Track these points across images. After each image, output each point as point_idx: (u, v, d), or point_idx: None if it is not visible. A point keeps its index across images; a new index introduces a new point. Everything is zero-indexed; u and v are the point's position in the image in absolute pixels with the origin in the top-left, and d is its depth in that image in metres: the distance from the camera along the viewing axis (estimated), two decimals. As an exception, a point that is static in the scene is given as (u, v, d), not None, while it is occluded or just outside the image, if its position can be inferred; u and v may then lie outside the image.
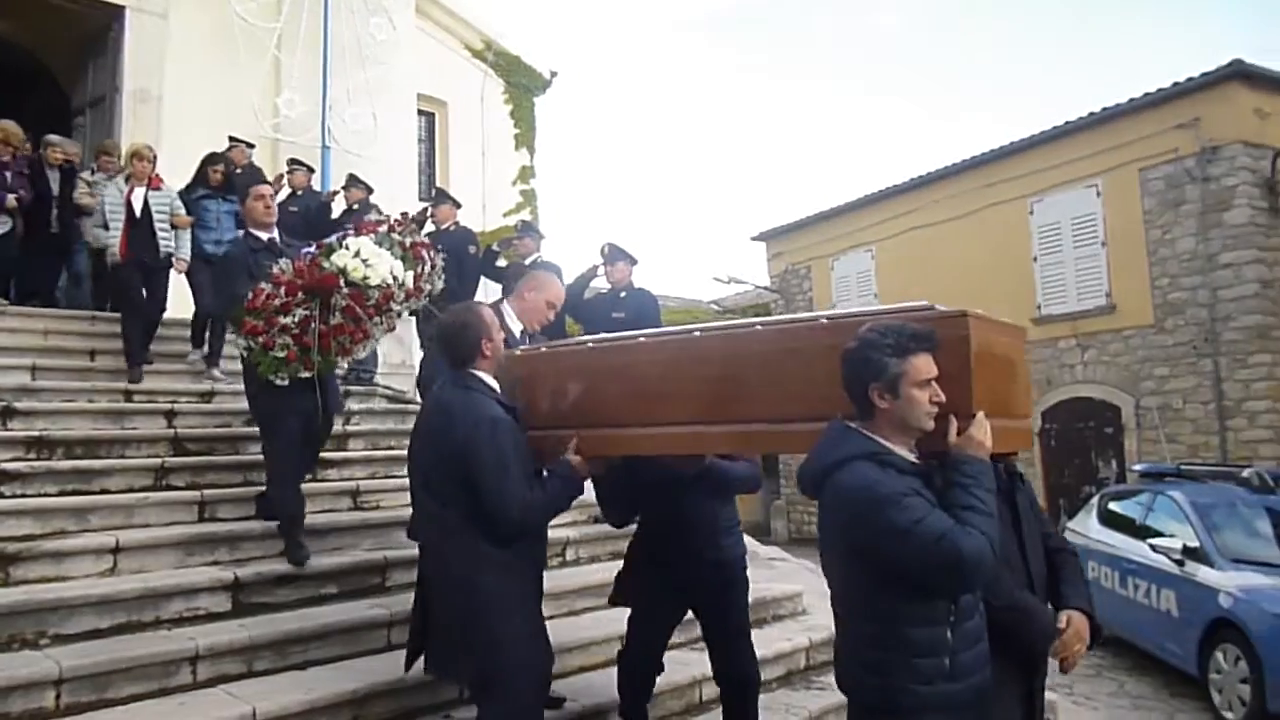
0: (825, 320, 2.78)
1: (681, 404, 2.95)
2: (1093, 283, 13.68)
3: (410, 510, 3.99)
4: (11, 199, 7.27)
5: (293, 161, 8.73)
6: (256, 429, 5.81)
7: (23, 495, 4.72)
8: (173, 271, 7.08)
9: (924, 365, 2.27)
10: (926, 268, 15.84)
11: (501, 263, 7.73)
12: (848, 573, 2.38)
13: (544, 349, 3.64)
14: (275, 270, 4.61)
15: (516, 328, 3.96)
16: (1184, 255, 12.55)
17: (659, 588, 3.78)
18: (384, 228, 4.80)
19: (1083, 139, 13.73)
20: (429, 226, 8.04)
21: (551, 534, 5.74)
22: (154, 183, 6.90)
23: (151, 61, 10.00)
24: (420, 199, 11.15)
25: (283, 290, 4.50)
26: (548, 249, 7.70)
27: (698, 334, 3.05)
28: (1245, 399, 11.93)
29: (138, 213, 6.75)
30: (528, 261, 7.15)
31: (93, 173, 7.91)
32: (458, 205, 7.92)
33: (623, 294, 6.46)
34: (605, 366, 3.26)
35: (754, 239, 20.26)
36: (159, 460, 5.37)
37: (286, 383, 4.48)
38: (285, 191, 8.42)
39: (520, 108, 15.22)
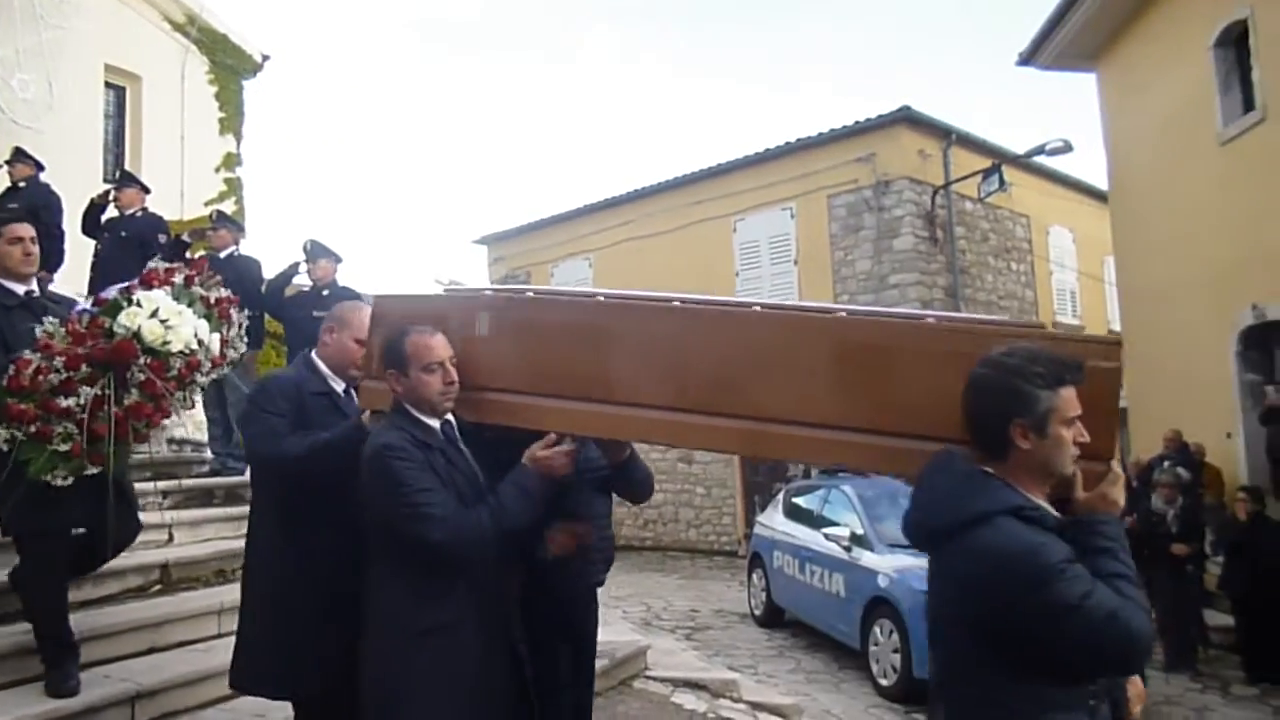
0: (933, 320, 2.36)
1: (701, 387, 2.39)
2: (787, 297, 14.96)
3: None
4: None
5: (-56, 130, 7.65)
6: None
7: None
8: None
9: (1072, 400, 1.93)
10: (640, 277, 16.55)
11: (192, 254, 7.20)
12: (978, 651, 1.91)
13: (531, 293, 2.96)
14: (41, 335, 3.52)
15: (338, 385, 3.15)
16: (861, 275, 14.07)
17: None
18: (180, 278, 3.80)
19: (781, 165, 15.02)
20: (111, 211, 7.37)
21: (240, 544, 5.52)
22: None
23: None
24: (105, 180, 10.14)
25: (61, 363, 3.43)
26: (254, 243, 7.29)
27: (757, 309, 2.50)
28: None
29: None
30: (223, 255, 6.73)
31: None
32: (146, 190, 7.29)
33: (325, 292, 6.27)
34: (621, 330, 2.58)
35: (475, 242, 20.25)
36: None
37: (69, 482, 3.42)
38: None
39: (226, 89, 14.22)
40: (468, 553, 2.45)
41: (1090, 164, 51.35)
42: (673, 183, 16.51)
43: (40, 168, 7.48)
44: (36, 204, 7.11)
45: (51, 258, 7.15)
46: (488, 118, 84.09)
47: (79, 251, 7.54)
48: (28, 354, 3.46)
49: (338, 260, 6.39)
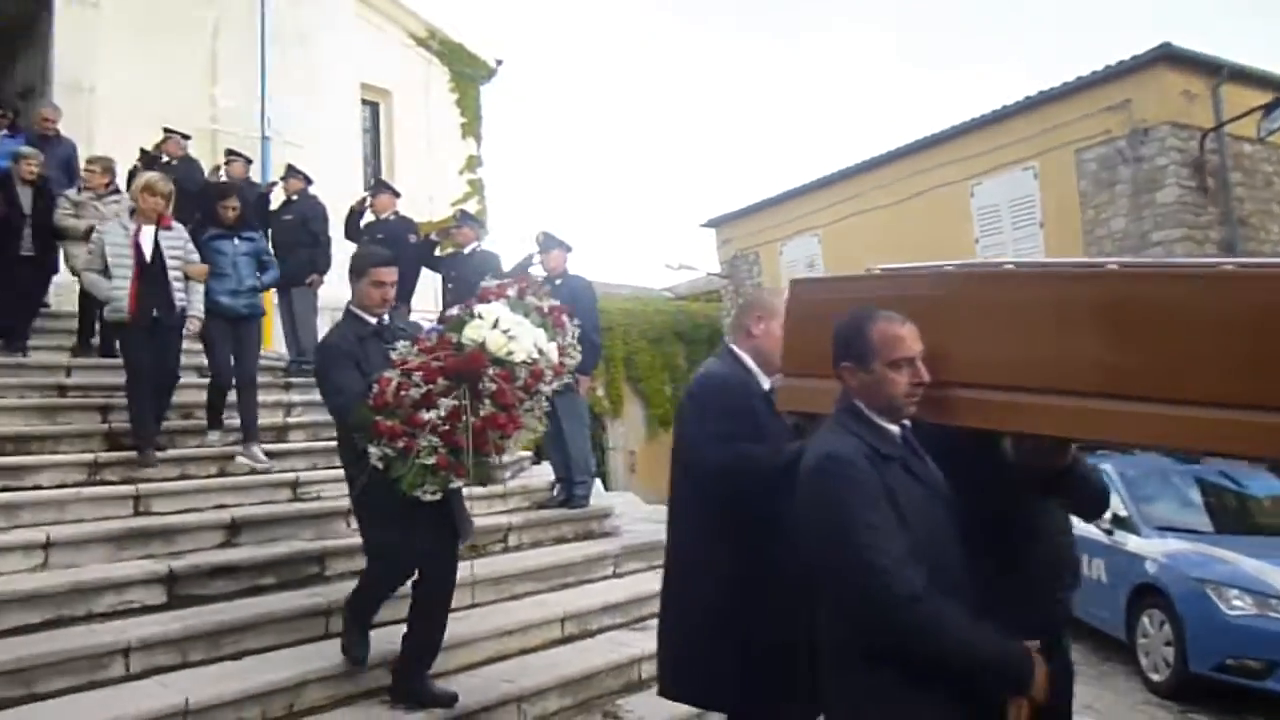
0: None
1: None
2: (1032, 263, 13.99)
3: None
4: None
5: (230, 153, 8.64)
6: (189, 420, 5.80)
7: (-50, 493, 4.66)
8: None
9: None
10: (872, 252, 16.00)
11: (441, 251, 7.73)
12: None
13: (1011, 265, 2.46)
14: (397, 355, 3.66)
15: (765, 382, 2.99)
16: (1117, 234, 12.86)
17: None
18: (514, 291, 3.85)
19: (1020, 122, 13.98)
20: (368, 216, 8.05)
21: (489, 521, 5.87)
22: (163, 221, 5.70)
23: (83, 51, 9.82)
24: (365, 189, 11.10)
25: (419, 378, 3.51)
26: (497, 238, 7.71)
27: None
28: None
29: (148, 257, 5.55)
30: (466, 250, 7.16)
31: (79, 190, 7.11)
32: (396, 194, 7.92)
33: (557, 281, 6.48)
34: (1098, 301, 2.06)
35: (704, 225, 20.36)
36: (92, 456, 5.33)
37: (438, 497, 3.52)
38: (279, 193, 8.36)
39: (465, 96, 15.17)
40: (910, 623, 1.97)
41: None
42: (902, 150, 15.82)
43: (309, 181, 8.28)
44: (306, 214, 7.91)
45: (320, 262, 7.93)
46: (713, 100, 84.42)
47: (343, 255, 8.30)
48: (387, 373, 3.57)
49: (568, 249, 6.61)
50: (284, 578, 4.71)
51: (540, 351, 3.68)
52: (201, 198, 6.88)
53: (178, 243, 5.74)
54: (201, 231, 6.23)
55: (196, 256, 5.88)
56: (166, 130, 8.45)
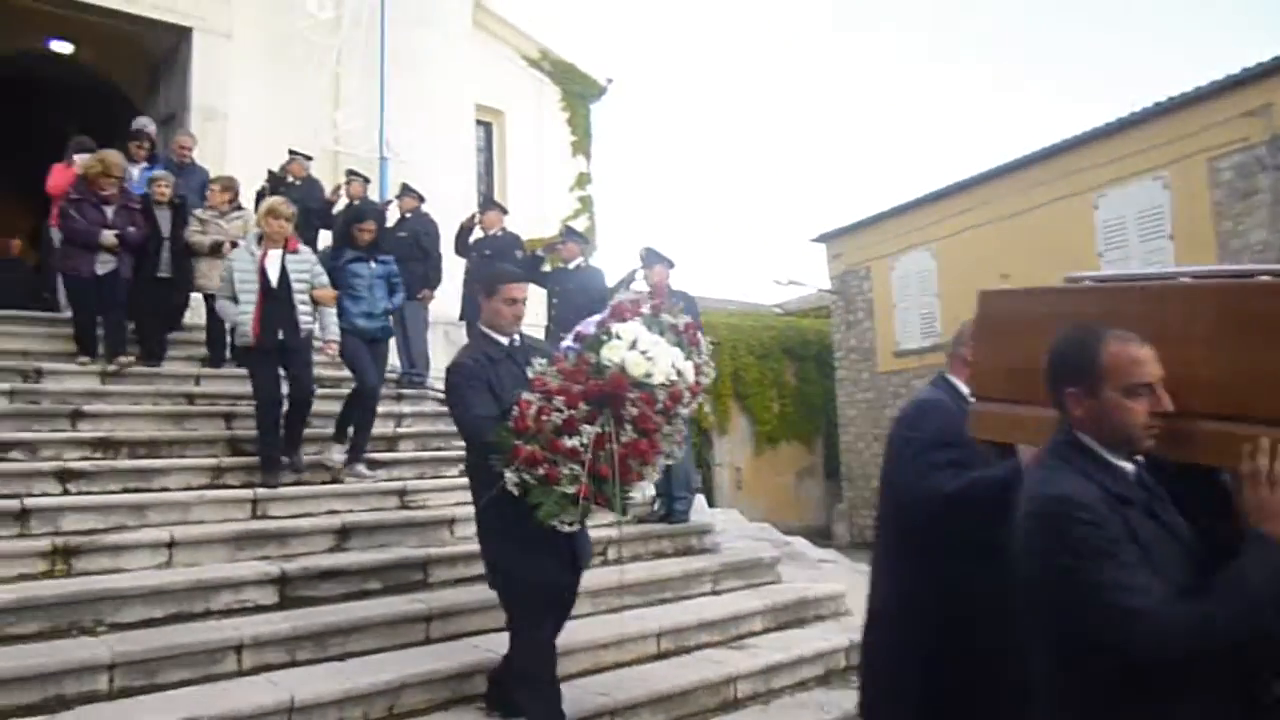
0: None
1: None
2: (1162, 278, 13.28)
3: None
4: (110, 235, 6.61)
5: (350, 172, 9.00)
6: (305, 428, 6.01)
7: (87, 492, 4.99)
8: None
9: None
10: (989, 266, 15.50)
11: (546, 267, 7.86)
12: None
13: (1185, 278, 2.09)
14: (536, 374, 3.48)
15: None
16: (1256, 247, 12.10)
17: None
18: (647, 308, 3.67)
19: (1149, 130, 13.33)
20: (476, 232, 8.25)
21: (590, 534, 5.91)
22: (290, 244, 5.76)
23: (217, 79, 10.41)
24: (478, 208, 11.41)
25: (561, 402, 3.33)
26: (605, 254, 7.78)
27: None
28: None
29: (274, 282, 5.60)
30: (571, 266, 7.26)
31: (205, 209, 7.38)
32: (504, 212, 8.12)
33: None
34: None
35: (814, 240, 20.13)
36: (216, 460, 5.62)
37: (575, 528, 3.38)
38: (343, 201, 8.71)
39: (576, 114, 15.41)
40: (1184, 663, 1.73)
41: None
42: (1020, 162, 15.28)
43: (421, 199, 8.56)
44: (419, 231, 8.17)
45: (432, 277, 8.18)
46: (823, 113, 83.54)
47: (454, 270, 8.55)
48: (526, 395, 3.38)
49: (671, 265, 6.61)
50: (389, 583, 4.85)
51: (678, 372, 3.50)
52: (337, 220, 7.19)
53: (304, 266, 5.77)
54: (338, 255, 6.34)
55: (325, 280, 5.90)
56: (291, 152, 8.87)
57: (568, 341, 3.66)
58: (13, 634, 3.79)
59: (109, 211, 6.68)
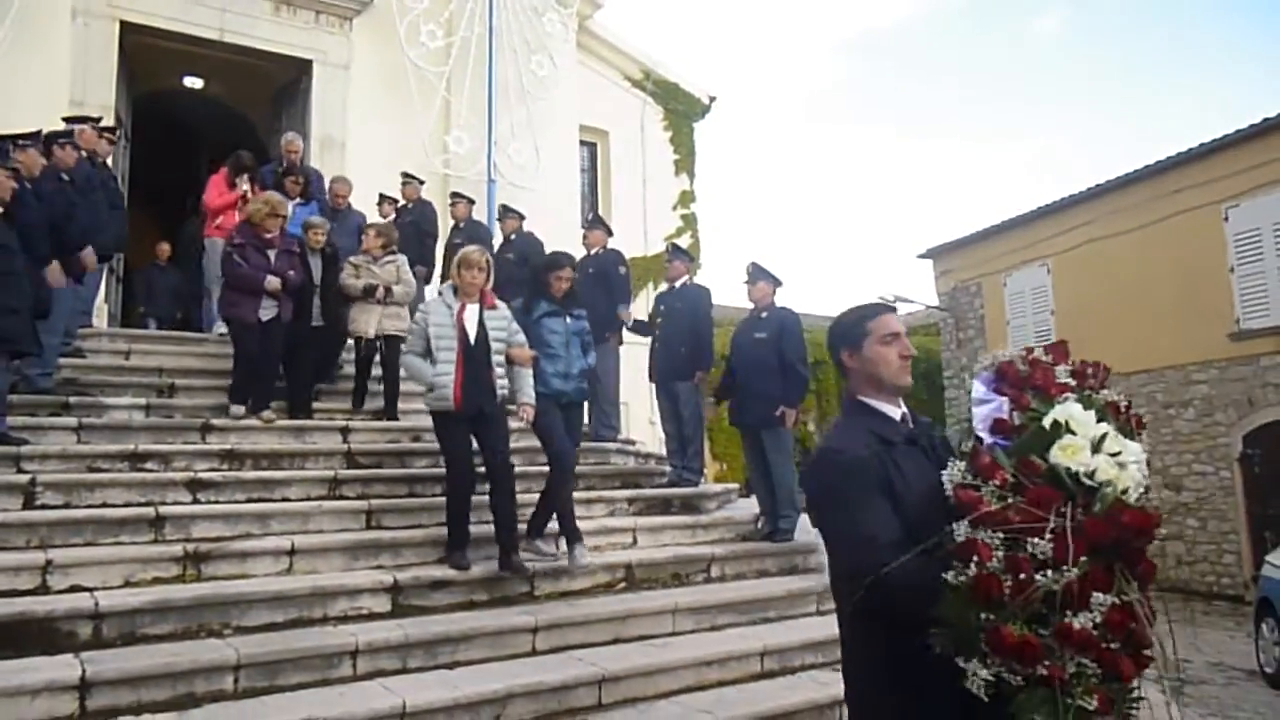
0: None
1: None
2: (1302, 292, 12.51)
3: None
4: (275, 281, 6.45)
5: (454, 195, 9.27)
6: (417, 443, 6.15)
7: (215, 501, 5.24)
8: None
9: None
10: (1108, 281, 14.94)
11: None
12: None
13: None
14: (955, 485, 2.05)
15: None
16: None
17: None
18: (1062, 371, 2.27)
19: (1284, 137, 12.63)
20: (580, 251, 8.36)
21: (693, 551, 5.91)
22: (487, 300, 5.25)
23: (335, 109, 10.91)
24: (583, 227, 11.59)
25: (1046, 548, 1.91)
26: (711, 271, 7.74)
27: None
28: None
29: (472, 339, 5.10)
30: (677, 285, 7.28)
31: (360, 254, 7.20)
32: (610, 232, 8.17)
33: (764, 314, 6.47)
34: None
35: (920, 256, 19.71)
36: (333, 473, 5.82)
37: None
38: (449, 224, 8.97)
39: (679, 133, 15.54)
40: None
41: None
42: (1143, 172, 14.62)
43: (522, 218, 8.73)
44: (526, 252, 8.33)
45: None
46: (930, 127, 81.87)
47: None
48: (976, 533, 1.95)
49: (777, 283, 6.57)
50: (496, 594, 4.94)
51: (1145, 476, 2.24)
52: (529, 269, 6.86)
53: (501, 323, 5.26)
54: (531, 308, 5.71)
55: (522, 337, 5.36)
56: (405, 175, 9.19)
57: (980, 427, 2.22)
58: (149, 634, 4.01)
59: (272, 255, 6.58)
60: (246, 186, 8.00)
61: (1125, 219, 14.89)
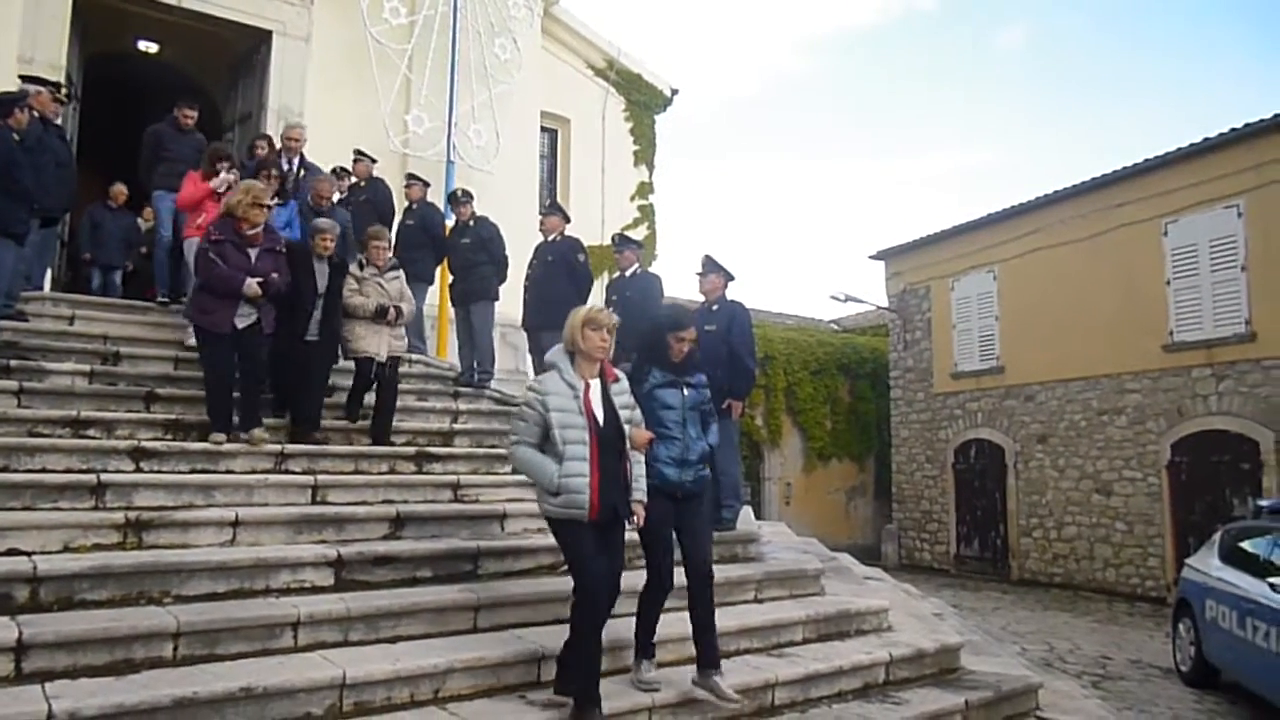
0: None
1: None
2: (1231, 308, 12.96)
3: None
4: (255, 284, 5.67)
5: (410, 176, 9.23)
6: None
7: (159, 471, 5.22)
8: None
9: None
10: (1052, 290, 15.36)
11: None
12: None
13: None
14: None
15: None
16: (1334, 280, 11.78)
17: None
18: None
19: (1225, 156, 13.05)
20: (537, 237, 8.40)
21: (631, 537, 5.98)
22: (609, 373, 4.22)
23: (294, 81, 10.77)
24: (540, 213, 11.60)
25: None
26: (665, 263, 7.86)
27: None
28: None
29: (601, 423, 4.06)
30: (628, 273, 7.36)
31: (362, 265, 6.60)
32: (567, 219, 8.20)
33: (714, 306, 6.58)
34: None
35: (872, 258, 20.01)
36: (280, 447, 5.81)
37: None
38: (403, 205, 8.97)
39: (640, 124, 15.60)
40: None
41: None
42: (1089, 185, 15.02)
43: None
44: (483, 236, 8.34)
45: (499, 280, 8.37)
46: (885, 130, 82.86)
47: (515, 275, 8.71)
48: None
49: (730, 278, 6.68)
50: (440, 571, 4.99)
51: None
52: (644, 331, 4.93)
53: (626, 399, 4.23)
54: (642, 376, 4.51)
55: (639, 415, 4.29)
56: (357, 153, 9.14)
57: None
58: (87, 599, 4.00)
59: (253, 255, 5.77)
60: (232, 176, 6.82)
61: (1071, 229, 15.30)
